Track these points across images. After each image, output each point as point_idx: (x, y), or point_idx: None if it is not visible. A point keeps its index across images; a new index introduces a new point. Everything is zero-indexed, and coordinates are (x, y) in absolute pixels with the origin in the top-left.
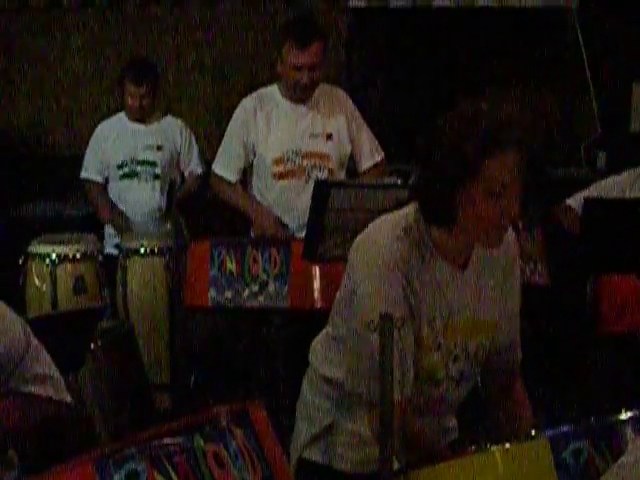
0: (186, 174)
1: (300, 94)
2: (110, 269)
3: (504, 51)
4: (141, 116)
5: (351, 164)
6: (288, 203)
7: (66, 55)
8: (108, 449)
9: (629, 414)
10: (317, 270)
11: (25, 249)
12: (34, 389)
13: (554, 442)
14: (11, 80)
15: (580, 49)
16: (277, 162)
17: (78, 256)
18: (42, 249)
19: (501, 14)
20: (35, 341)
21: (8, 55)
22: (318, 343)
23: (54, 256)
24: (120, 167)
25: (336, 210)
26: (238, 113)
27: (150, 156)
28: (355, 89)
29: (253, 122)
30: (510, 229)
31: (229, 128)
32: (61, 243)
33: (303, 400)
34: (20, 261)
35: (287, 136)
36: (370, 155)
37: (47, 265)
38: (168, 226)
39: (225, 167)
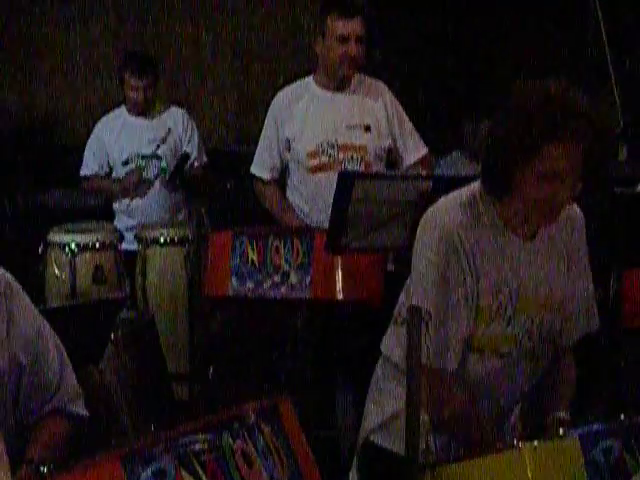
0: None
1: (346, 69)
2: (128, 262)
3: (525, 40)
4: (144, 109)
5: (391, 158)
6: (323, 197)
7: (85, 44)
8: (136, 446)
9: None
10: (339, 261)
11: (44, 238)
12: (77, 409)
13: (584, 440)
14: (31, 69)
15: (602, 39)
16: (312, 155)
17: (97, 245)
18: (62, 238)
19: (525, 2)
20: (64, 355)
21: (28, 44)
22: (389, 328)
23: (73, 245)
24: (125, 164)
25: (360, 201)
26: (272, 109)
27: (154, 149)
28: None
29: (288, 116)
30: (575, 206)
31: (264, 125)
32: (81, 232)
33: (375, 385)
34: (39, 250)
35: (323, 128)
36: (415, 149)
37: (67, 254)
38: (181, 216)
39: (259, 165)
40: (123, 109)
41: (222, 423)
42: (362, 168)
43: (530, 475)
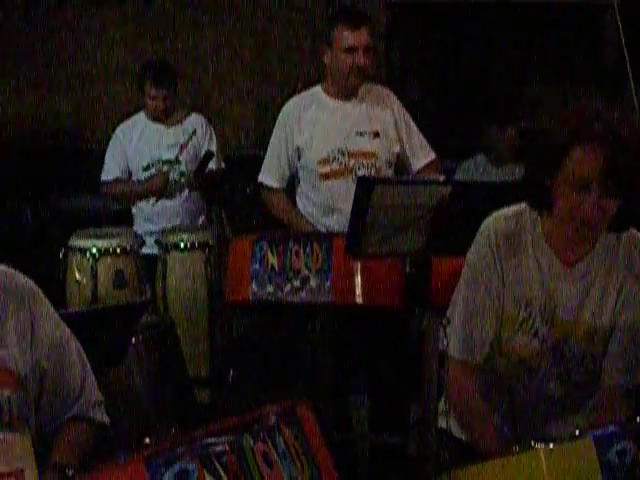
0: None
1: (355, 79)
2: (149, 267)
3: (544, 47)
4: (163, 118)
5: (399, 164)
6: (335, 204)
7: (105, 50)
8: (159, 448)
9: None
10: (359, 266)
11: (65, 243)
12: (98, 415)
13: (599, 442)
14: (51, 75)
15: (621, 46)
16: (323, 163)
17: (118, 250)
18: (83, 243)
19: (542, 9)
20: (86, 362)
21: (48, 50)
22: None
23: (94, 250)
24: (146, 169)
25: (379, 206)
26: (281, 118)
27: (173, 155)
28: (394, 85)
29: (297, 126)
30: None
31: (273, 134)
32: (102, 237)
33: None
34: (60, 255)
35: (332, 135)
36: (423, 154)
37: (88, 259)
38: (201, 220)
39: (268, 174)
40: (142, 115)
41: (243, 425)
42: (373, 174)
43: (546, 477)
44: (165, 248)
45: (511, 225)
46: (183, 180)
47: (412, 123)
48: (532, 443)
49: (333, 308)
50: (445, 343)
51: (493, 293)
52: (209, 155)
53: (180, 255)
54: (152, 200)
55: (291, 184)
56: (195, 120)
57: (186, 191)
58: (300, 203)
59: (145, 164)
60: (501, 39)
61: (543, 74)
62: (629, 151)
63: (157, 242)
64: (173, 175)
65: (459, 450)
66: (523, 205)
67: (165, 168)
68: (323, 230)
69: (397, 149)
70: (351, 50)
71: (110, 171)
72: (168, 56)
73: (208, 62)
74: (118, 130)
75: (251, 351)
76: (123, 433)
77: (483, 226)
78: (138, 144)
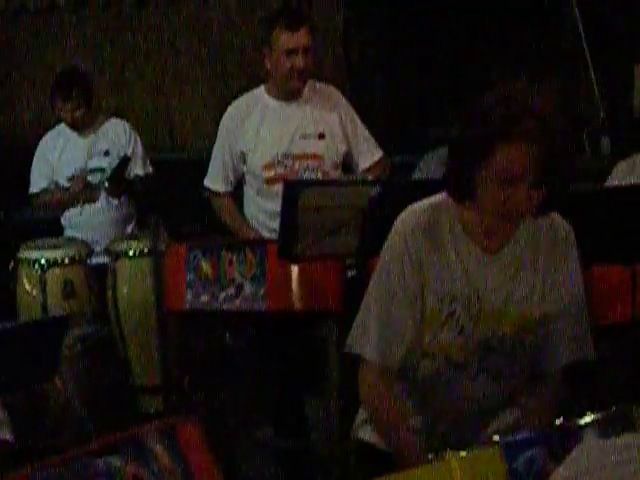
0: (131, 176)
1: (296, 82)
2: (99, 276)
3: (503, 36)
4: (79, 127)
5: (346, 163)
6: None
7: (65, 57)
8: (25, 470)
9: (590, 418)
10: (295, 271)
11: (15, 254)
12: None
13: (508, 450)
14: (12, 83)
15: (579, 32)
16: (268, 167)
17: (67, 260)
18: (31, 254)
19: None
20: None
21: (8, 58)
22: None
23: (43, 261)
24: (71, 179)
25: (308, 209)
26: (224, 122)
27: (99, 163)
28: (354, 83)
29: (241, 129)
30: (559, 219)
31: (217, 138)
32: (50, 248)
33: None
34: (10, 266)
35: (276, 139)
36: (369, 153)
37: (37, 270)
38: (130, 228)
39: (212, 178)
40: (64, 125)
41: (113, 446)
42: (320, 176)
43: None
44: (115, 256)
45: (427, 218)
46: (102, 191)
47: (359, 121)
48: (445, 451)
49: (271, 314)
50: (354, 347)
51: (411, 292)
52: (125, 160)
53: (129, 263)
54: (78, 208)
55: (238, 187)
56: (116, 125)
57: (109, 198)
58: (247, 207)
59: (69, 174)
60: (460, 32)
61: (504, 65)
62: (557, 142)
63: (106, 250)
64: (93, 179)
65: (379, 461)
66: (438, 196)
67: (90, 177)
68: (270, 235)
69: (344, 148)
70: (290, 52)
71: (36, 183)
72: (128, 59)
73: (168, 65)
74: (42, 141)
75: (204, 357)
76: (59, 446)
77: (397, 222)
78: (61, 155)
